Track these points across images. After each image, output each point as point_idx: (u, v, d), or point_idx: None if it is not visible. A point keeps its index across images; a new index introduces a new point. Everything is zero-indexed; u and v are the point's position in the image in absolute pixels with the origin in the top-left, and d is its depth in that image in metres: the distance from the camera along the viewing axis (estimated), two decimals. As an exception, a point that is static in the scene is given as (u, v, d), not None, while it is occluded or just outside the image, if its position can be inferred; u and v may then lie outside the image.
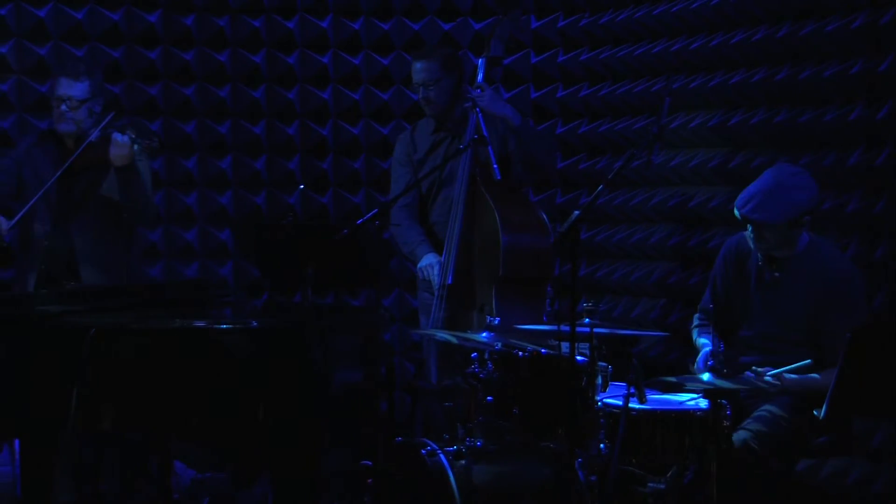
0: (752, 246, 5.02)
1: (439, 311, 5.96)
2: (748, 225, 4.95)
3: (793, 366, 4.74)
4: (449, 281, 5.95)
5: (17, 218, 5.77)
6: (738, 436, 4.79)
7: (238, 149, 7.14)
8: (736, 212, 4.93)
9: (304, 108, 7.19)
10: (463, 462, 4.79)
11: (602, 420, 4.64)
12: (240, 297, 6.83)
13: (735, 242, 5.19)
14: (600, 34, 6.93)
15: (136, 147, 5.77)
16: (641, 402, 4.65)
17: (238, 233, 7.03)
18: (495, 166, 5.81)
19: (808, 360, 4.73)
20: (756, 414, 4.90)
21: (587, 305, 4.73)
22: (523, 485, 4.83)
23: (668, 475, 4.66)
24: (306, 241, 5.27)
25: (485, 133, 5.89)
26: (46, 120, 6.67)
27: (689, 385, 4.63)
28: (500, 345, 4.89)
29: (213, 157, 7.11)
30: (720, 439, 4.51)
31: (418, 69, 6.20)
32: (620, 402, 4.59)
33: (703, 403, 4.64)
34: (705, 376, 4.60)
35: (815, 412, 4.71)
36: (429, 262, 6.08)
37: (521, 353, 4.83)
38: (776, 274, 5.03)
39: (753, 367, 4.75)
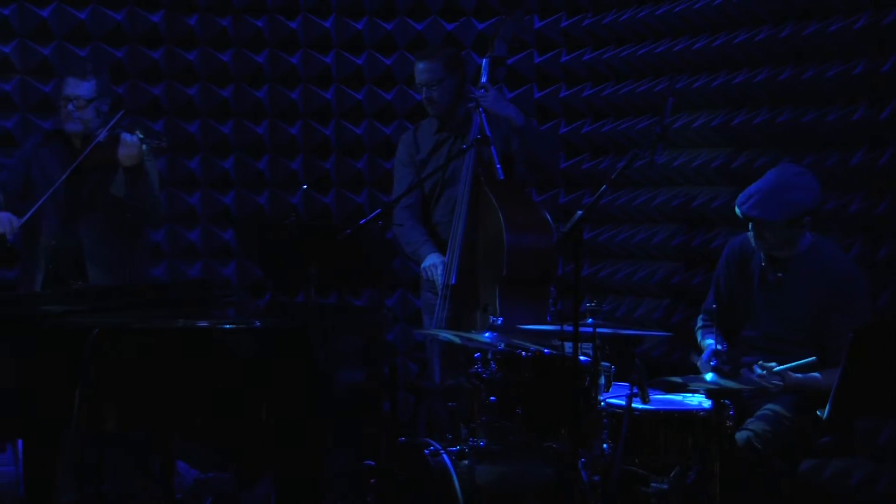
0: (754, 246, 5.03)
1: (443, 311, 5.96)
2: (749, 224, 4.95)
3: (798, 363, 4.74)
4: (452, 281, 5.94)
5: (27, 216, 5.77)
6: (742, 435, 4.80)
7: (241, 149, 7.15)
8: (737, 209, 4.94)
9: (307, 108, 7.19)
10: (466, 462, 4.79)
11: (605, 420, 4.64)
12: (243, 297, 6.84)
13: (738, 243, 5.19)
14: (603, 34, 6.93)
15: (144, 147, 5.77)
16: (644, 403, 4.65)
17: (241, 233, 7.03)
18: (498, 166, 5.80)
19: (813, 358, 4.73)
20: (759, 413, 4.90)
21: (590, 305, 4.73)
22: (526, 485, 4.83)
23: (671, 475, 4.66)
24: (309, 241, 5.26)
25: (488, 133, 5.89)
26: (50, 120, 6.69)
27: (693, 385, 4.63)
28: (503, 345, 4.89)
29: (216, 157, 7.12)
30: (723, 439, 4.51)
31: (421, 69, 6.20)
32: (623, 403, 4.60)
33: (707, 403, 4.65)
34: (709, 376, 4.60)
35: (818, 412, 4.71)
36: (432, 263, 6.08)
37: (524, 353, 4.83)
38: (779, 274, 5.03)
39: (760, 362, 4.75)
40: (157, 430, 5.13)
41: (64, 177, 5.81)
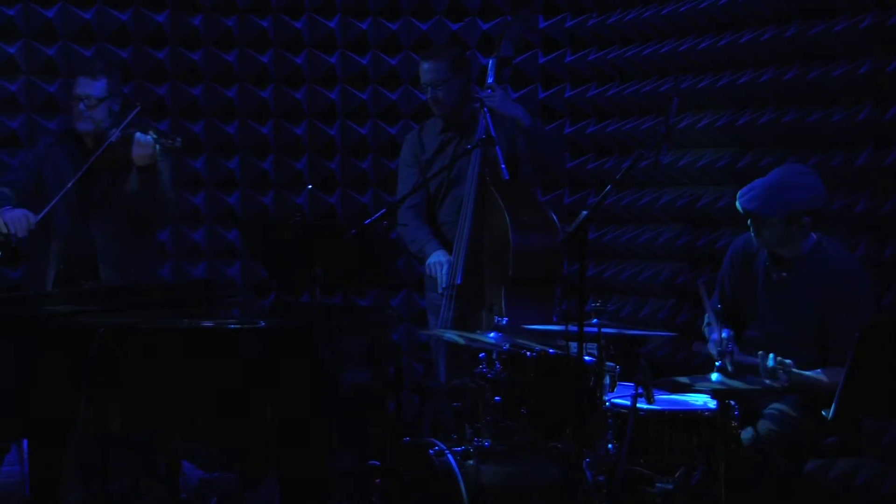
0: (756, 243, 5.04)
1: (448, 312, 5.96)
2: (748, 219, 4.96)
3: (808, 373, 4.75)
4: (458, 281, 5.94)
5: (44, 212, 5.77)
6: (748, 433, 4.79)
7: (246, 149, 7.15)
8: (737, 202, 4.95)
9: (312, 108, 7.20)
10: (471, 462, 4.79)
11: (610, 420, 4.64)
12: (247, 297, 6.83)
13: (742, 243, 5.20)
14: (608, 34, 6.93)
15: (158, 147, 5.77)
16: (649, 403, 4.65)
17: (246, 233, 7.03)
18: (503, 166, 5.80)
19: (819, 371, 4.74)
20: (766, 412, 4.90)
21: (595, 305, 4.73)
22: (531, 485, 4.83)
23: (677, 475, 4.66)
24: (314, 241, 5.27)
25: (493, 133, 5.89)
26: (55, 120, 6.70)
27: (698, 385, 4.63)
28: (508, 345, 4.89)
29: (220, 157, 7.12)
30: (728, 439, 4.51)
31: (426, 69, 6.20)
32: (628, 403, 4.60)
33: (712, 403, 4.65)
34: (714, 376, 4.60)
35: (823, 412, 4.71)
36: (438, 260, 6.08)
37: (529, 353, 4.84)
38: (783, 274, 5.03)
39: (774, 355, 4.71)
40: (163, 430, 5.12)
41: (77, 176, 5.81)
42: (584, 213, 4.64)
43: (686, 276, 6.28)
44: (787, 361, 4.69)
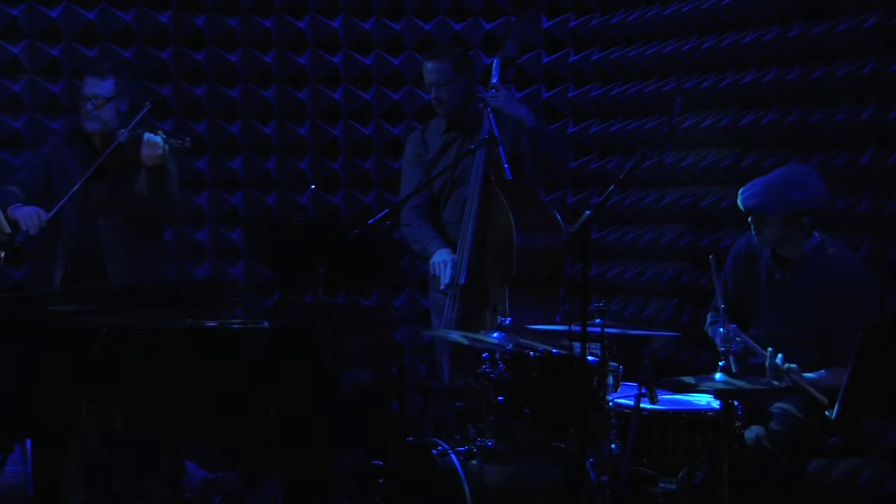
0: (758, 242, 5.04)
1: (452, 312, 5.96)
2: (749, 217, 4.96)
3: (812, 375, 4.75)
4: (462, 281, 5.94)
5: (55, 209, 5.78)
6: (751, 433, 4.79)
7: (249, 149, 7.15)
8: (738, 199, 4.95)
9: (315, 108, 7.20)
10: (474, 462, 4.79)
11: (613, 420, 4.64)
12: (250, 297, 6.84)
13: (745, 243, 5.20)
14: (611, 34, 6.92)
15: (167, 147, 5.77)
16: (653, 403, 4.65)
17: (249, 233, 7.04)
18: (506, 166, 5.80)
19: (823, 371, 4.74)
20: (769, 412, 4.90)
21: (598, 305, 4.73)
22: (534, 485, 4.83)
23: (680, 475, 4.66)
24: (317, 241, 5.27)
25: (496, 133, 5.89)
26: (58, 120, 6.70)
27: (702, 385, 4.62)
28: (511, 345, 4.89)
29: (223, 157, 7.12)
30: (731, 439, 4.51)
31: (430, 69, 6.20)
32: (632, 403, 4.60)
33: (715, 403, 4.65)
34: (717, 376, 4.60)
35: (826, 412, 4.70)
36: (442, 259, 6.07)
37: (532, 353, 4.84)
38: (786, 274, 5.03)
39: (782, 356, 4.70)
40: (165, 430, 5.13)
41: (86, 175, 5.82)
42: (588, 213, 4.64)
43: (689, 276, 6.28)
44: (794, 367, 4.69)
